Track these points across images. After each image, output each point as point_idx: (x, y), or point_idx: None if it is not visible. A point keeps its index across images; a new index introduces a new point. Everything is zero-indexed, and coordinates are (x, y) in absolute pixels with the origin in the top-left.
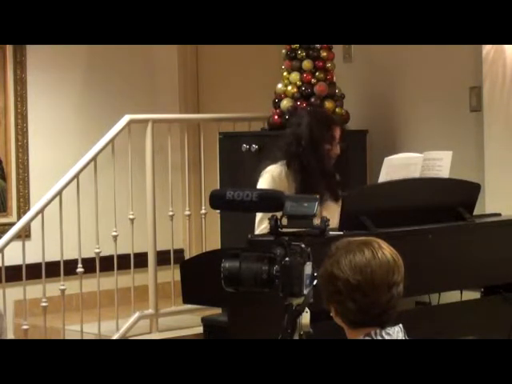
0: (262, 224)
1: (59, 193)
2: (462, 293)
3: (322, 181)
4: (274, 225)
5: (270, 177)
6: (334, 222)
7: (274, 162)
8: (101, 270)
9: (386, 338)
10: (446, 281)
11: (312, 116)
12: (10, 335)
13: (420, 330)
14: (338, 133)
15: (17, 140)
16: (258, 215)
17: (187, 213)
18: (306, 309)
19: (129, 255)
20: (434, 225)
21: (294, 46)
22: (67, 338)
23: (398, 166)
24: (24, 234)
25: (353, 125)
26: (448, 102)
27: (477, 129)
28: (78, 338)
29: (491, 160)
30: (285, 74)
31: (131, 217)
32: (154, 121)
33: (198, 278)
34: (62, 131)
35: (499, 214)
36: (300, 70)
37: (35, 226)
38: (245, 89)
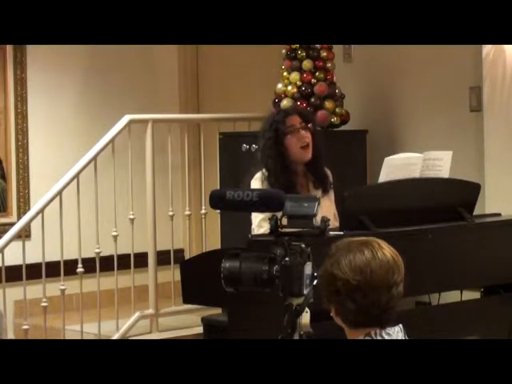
0: (261, 227)
1: (59, 193)
2: (462, 293)
3: (293, 176)
4: (274, 225)
5: (259, 184)
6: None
7: (258, 167)
8: (101, 270)
9: (386, 338)
10: (445, 281)
11: (265, 120)
12: (10, 335)
13: (420, 330)
14: (296, 120)
15: (17, 140)
16: (256, 217)
17: (187, 213)
18: (306, 309)
19: (129, 255)
20: (434, 225)
21: (294, 46)
22: (67, 337)
23: (398, 166)
24: (24, 234)
25: (353, 125)
26: (448, 102)
27: (477, 129)
28: (78, 338)
29: (491, 160)
30: (285, 74)
31: (131, 217)
32: (154, 121)
33: (198, 277)
34: (62, 131)
35: (499, 214)
36: (300, 70)
37: (35, 226)
38: (245, 89)
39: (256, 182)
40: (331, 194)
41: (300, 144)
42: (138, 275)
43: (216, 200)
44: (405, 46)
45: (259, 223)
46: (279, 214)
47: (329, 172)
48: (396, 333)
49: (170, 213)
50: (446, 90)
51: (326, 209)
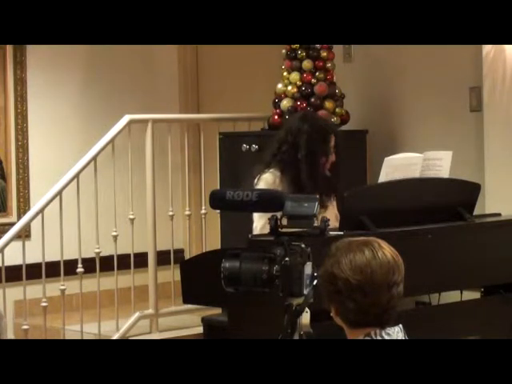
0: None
1: (59, 193)
2: (462, 293)
3: (316, 190)
4: (274, 225)
5: (265, 185)
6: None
7: (266, 166)
8: (101, 270)
9: (386, 338)
10: (445, 281)
11: (311, 128)
12: (10, 335)
13: (420, 330)
14: (333, 141)
15: (17, 140)
16: (259, 220)
17: (187, 213)
18: (306, 309)
19: (129, 255)
20: (434, 225)
21: (294, 46)
22: (67, 337)
23: (398, 166)
24: (24, 234)
25: (353, 125)
26: (448, 102)
27: (477, 129)
28: (78, 338)
29: (491, 160)
30: (285, 73)
31: (131, 217)
32: (154, 121)
33: (198, 277)
34: (62, 131)
35: (499, 214)
36: (300, 70)
37: (35, 226)
38: (245, 89)
39: (262, 184)
40: (333, 199)
41: (328, 166)
42: (137, 275)
43: (216, 200)
44: (405, 46)
45: (260, 231)
46: (279, 214)
47: None
48: (396, 333)
49: (170, 213)
50: (446, 90)
51: (328, 212)
